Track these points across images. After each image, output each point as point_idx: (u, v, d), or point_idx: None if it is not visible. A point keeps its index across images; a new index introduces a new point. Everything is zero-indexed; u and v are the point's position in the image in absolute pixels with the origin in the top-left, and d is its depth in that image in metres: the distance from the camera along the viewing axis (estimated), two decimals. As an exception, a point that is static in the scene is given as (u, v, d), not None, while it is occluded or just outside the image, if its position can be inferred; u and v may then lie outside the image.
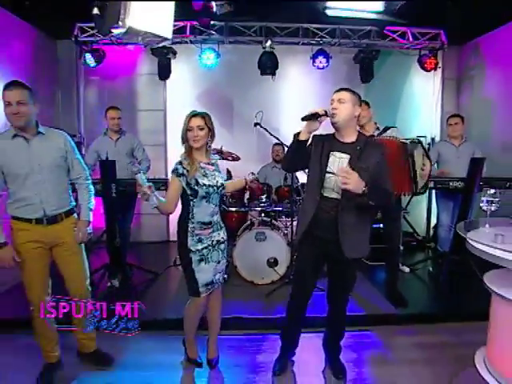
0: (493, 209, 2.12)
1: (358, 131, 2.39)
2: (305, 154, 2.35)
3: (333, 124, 2.32)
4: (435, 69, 5.40)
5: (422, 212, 5.78)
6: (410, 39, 5.23)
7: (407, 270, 4.37)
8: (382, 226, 4.12)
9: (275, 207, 4.29)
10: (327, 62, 5.31)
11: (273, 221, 4.25)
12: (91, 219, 2.60)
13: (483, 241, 1.99)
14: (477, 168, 3.75)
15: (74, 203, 2.58)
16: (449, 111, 5.33)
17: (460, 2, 4.40)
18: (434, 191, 4.72)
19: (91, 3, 2.98)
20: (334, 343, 2.67)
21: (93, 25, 4.85)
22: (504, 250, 1.86)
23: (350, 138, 2.33)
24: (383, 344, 3.04)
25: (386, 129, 3.40)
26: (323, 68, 5.36)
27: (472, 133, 5.06)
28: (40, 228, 2.38)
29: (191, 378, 2.63)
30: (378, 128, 3.44)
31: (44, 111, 2.77)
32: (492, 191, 2.12)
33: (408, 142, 3.26)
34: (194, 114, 2.43)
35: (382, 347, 3.01)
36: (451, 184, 3.94)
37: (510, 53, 4.68)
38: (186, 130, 2.41)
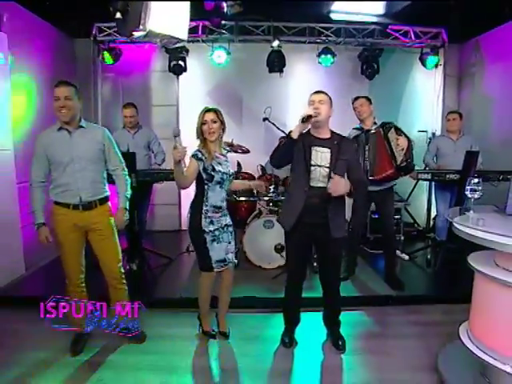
0: (476, 196, 2.32)
1: (330, 130, 2.67)
2: (292, 151, 2.61)
3: (314, 122, 2.56)
4: (436, 66, 5.58)
5: (423, 203, 5.99)
6: (413, 37, 5.40)
7: (406, 257, 4.62)
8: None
9: (282, 197, 4.50)
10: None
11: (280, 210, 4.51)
12: (128, 207, 2.85)
13: (467, 224, 2.23)
14: (471, 160, 3.90)
15: (108, 192, 2.81)
16: (450, 107, 5.43)
17: (461, 1, 4.56)
18: (433, 183, 4.94)
19: (109, 4, 3.17)
20: (332, 318, 2.94)
21: (110, 25, 5.14)
22: (484, 231, 2.11)
23: (326, 134, 2.63)
24: (380, 322, 3.29)
25: (383, 124, 3.62)
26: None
27: (472, 128, 5.21)
28: (76, 213, 2.64)
29: (205, 348, 2.88)
30: (375, 123, 3.68)
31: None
32: (475, 180, 2.32)
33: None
34: (207, 110, 2.71)
35: (379, 324, 3.26)
36: (448, 176, 4.11)
37: (509, 51, 4.81)
38: (201, 123, 2.68)
